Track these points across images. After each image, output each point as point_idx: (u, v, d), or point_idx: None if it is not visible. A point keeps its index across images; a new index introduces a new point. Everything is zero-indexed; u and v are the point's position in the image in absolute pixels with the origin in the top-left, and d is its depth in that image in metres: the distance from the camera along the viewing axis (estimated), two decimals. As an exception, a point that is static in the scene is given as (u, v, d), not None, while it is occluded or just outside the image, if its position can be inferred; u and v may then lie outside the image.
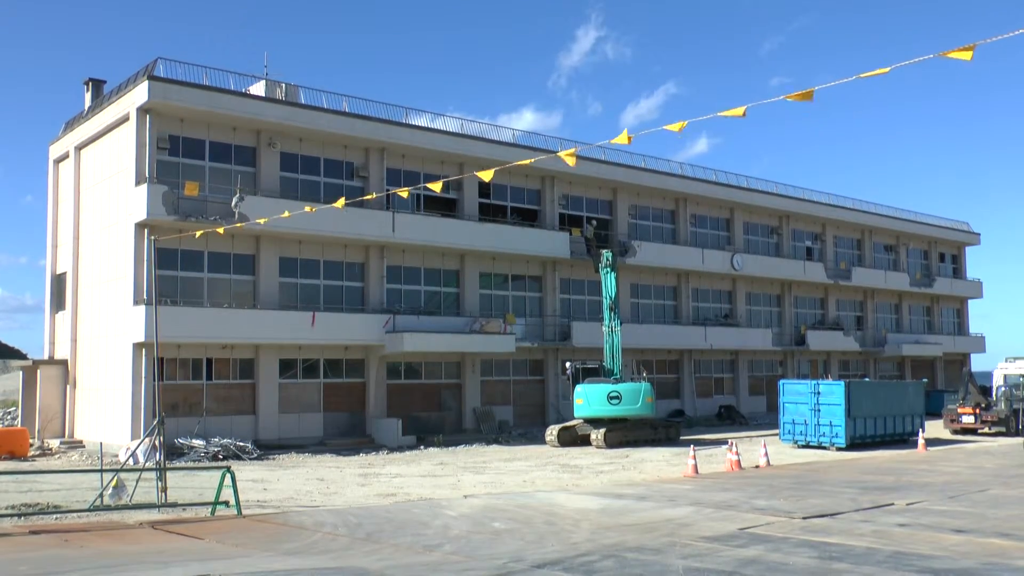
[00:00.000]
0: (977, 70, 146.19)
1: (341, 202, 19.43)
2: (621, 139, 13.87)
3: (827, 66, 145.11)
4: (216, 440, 29.99)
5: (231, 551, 13.31)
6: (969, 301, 68.48)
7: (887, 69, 10.68)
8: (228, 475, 16.76)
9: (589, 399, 33.28)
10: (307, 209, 24.38)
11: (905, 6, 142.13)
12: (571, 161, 15.49)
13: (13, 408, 42.71)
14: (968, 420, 38.14)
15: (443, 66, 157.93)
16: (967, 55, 9.83)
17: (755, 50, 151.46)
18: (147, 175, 30.79)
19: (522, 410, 40.92)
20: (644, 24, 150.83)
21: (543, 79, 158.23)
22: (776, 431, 34.74)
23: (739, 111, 12.36)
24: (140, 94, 30.79)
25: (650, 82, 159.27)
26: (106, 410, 32.36)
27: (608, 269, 35.58)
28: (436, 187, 17.99)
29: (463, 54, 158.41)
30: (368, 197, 20.15)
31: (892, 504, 17.67)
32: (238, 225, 28.92)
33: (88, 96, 37.21)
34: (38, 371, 35.44)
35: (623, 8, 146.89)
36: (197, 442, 29.60)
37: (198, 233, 26.49)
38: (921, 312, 64.45)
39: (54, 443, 33.19)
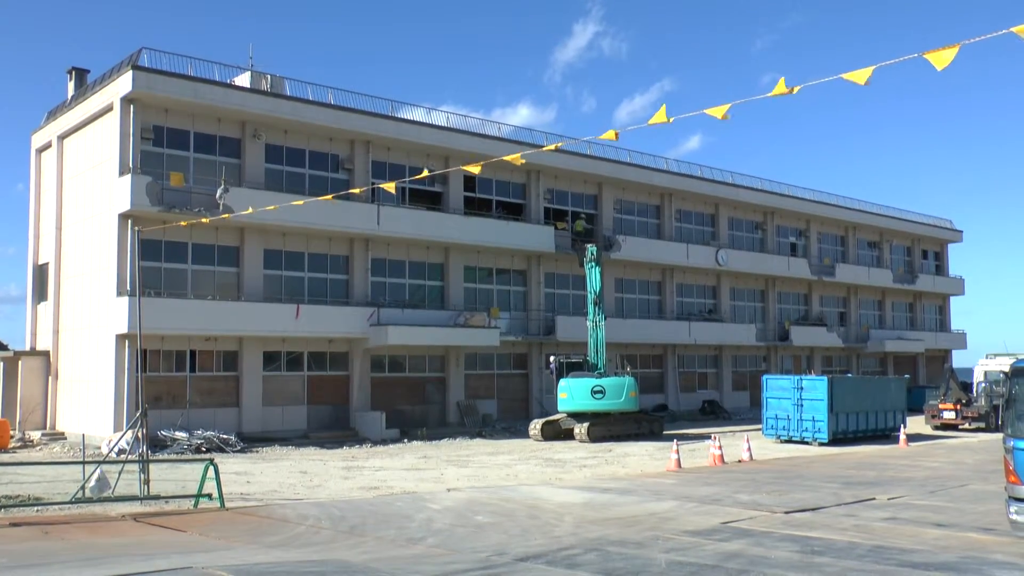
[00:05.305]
0: (961, 69, 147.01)
1: (329, 197, 19.30)
2: (608, 136, 13.89)
3: (818, 63, 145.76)
4: (199, 432, 29.87)
5: (214, 544, 13.27)
6: (951, 298, 68.94)
7: (869, 71, 10.71)
8: (211, 468, 16.73)
9: (573, 393, 33.34)
10: (296, 203, 24.25)
11: (895, 4, 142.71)
12: (552, 147, 15.48)
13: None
14: (949, 416, 38.44)
15: (441, 60, 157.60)
16: (949, 56, 9.85)
17: (748, 48, 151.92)
18: (131, 166, 30.58)
19: (506, 404, 40.95)
20: (642, 20, 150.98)
21: (539, 74, 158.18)
22: (759, 426, 34.90)
23: (720, 111, 12.37)
24: (124, 84, 30.57)
25: (645, 78, 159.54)
26: (88, 402, 32.18)
27: (593, 264, 35.60)
28: (424, 175, 17.95)
29: (461, 48, 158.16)
30: (355, 191, 20.00)
31: (873, 499, 17.80)
32: (223, 216, 28.78)
33: (71, 85, 36.88)
34: (19, 362, 35.18)
35: (623, 2, 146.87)
36: (180, 434, 29.48)
37: (183, 223, 26.35)
38: (904, 308, 64.84)
39: (36, 435, 32.99)
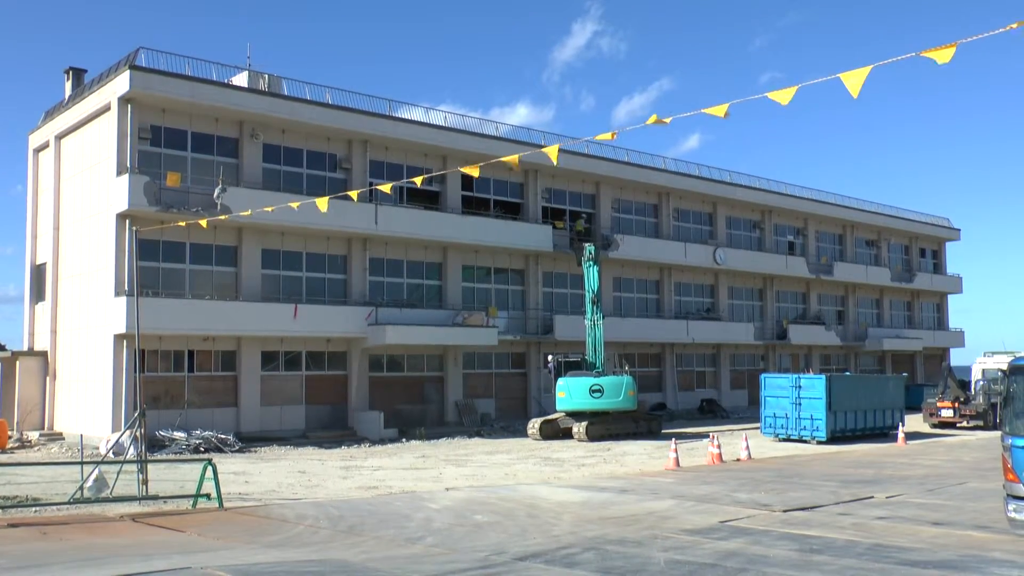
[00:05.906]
0: (959, 67, 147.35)
1: (324, 202, 19.15)
2: (605, 136, 13.90)
3: (816, 62, 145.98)
4: (197, 432, 29.85)
5: (213, 544, 13.27)
6: (949, 296, 69.00)
7: (867, 70, 10.70)
8: (210, 468, 16.72)
9: (571, 392, 33.34)
10: (292, 205, 24.21)
11: (892, 3, 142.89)
12: (554, 156, 15.50)
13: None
14: (947, 414, 38.47)
15: (439, 59, 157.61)
16: (947, 54, 9.84)
17: (746, 46, 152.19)
18: (128, 165, 30.55)
19: (504, 403, 40.94)
20: (641, 19, 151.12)
21: (538, 73, 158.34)
22: (757, 425, 34.91)
23: (721, 110, 12.36)
24: (121, 84, 30.54)
25: (644, 77, 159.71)
26: (86, 402, 32.15)
27: (591, 263, 35.61)
28: (420, 179, 17.97)
29: (460, 47, 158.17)
30: (352, 193, 19.99)
31: (872, 497, 17.82)
32: (221, 216, 28.76)
33: (68, 85, 36.85)
34: (17, 362, 35.14)
35: (622, 2, 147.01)
36: (178, 434, 29.46)
37: (181, 223, 26.31)
38: (902, 307, 64.88)
39: (34, 435, 32.95)
